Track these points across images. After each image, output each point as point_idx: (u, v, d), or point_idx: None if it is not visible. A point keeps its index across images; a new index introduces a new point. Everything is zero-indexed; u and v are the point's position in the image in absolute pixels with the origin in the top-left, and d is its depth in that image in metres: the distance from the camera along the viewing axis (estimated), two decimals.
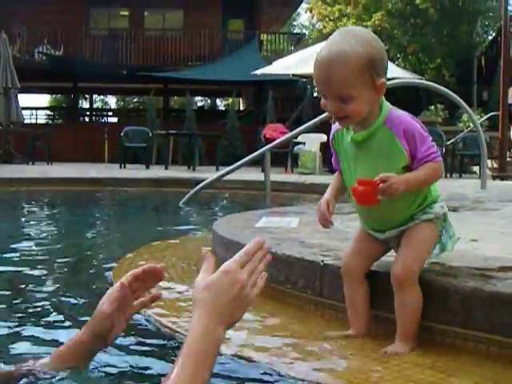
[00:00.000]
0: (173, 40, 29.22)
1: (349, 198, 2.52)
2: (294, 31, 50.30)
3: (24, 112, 23.32)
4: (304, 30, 51.14)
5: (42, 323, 2.80)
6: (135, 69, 26.89)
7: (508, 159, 17.67)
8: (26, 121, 26.84)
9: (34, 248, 5.03)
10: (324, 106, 2.32)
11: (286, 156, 17.69)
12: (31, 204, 9.44)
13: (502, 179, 15.64)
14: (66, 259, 4.66)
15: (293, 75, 20.73)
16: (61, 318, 2.89)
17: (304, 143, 16.86)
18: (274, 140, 10.95)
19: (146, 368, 2.29)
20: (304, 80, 25.08)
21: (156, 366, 2.31)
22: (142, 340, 2.60)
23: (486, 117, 19.52)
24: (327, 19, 27.43)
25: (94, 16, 30.61)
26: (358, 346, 2.43)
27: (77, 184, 11.71)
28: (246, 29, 30.97)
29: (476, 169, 17.10)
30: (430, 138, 2.38)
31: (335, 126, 2.53)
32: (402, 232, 2.46)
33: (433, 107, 20.65)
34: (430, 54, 26.85)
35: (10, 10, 26.85)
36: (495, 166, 17.44)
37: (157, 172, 15.03)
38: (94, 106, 45.77)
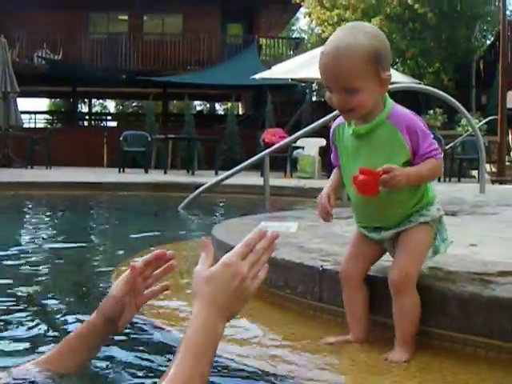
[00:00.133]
0: (172, 44, 29.24)
1: (347, 189, 2.52)
2: (293, 36, 50.30)
3: (23, 116, 23.30)
4: (303, 35, 51.10)
5: (42, 326, 2.80)
6: (134, 73, 26.90)
7: (507, 163, 17.68)
8: (25, 125, 26.82)
9: (33, 252, 5.03)
10: (329, 100, 2.33)
11: (285, 160, 17.70)
12: (30, 208, 9.44)
13: (500, 183, 15.66)
14: (64, 263, 4.66)
15: (292, 80, 20.74)
16: (60, 321, 2.89)
17: (303, 147, 16.87)
18: (273, 144, 10.96)
19: (146, 362, 2.30)
20: (303, 84, 25.11)
21: (155, 360, 2.33)
22: (141, 336, 2.61)
23: (484, 121, 19.52)
24: (326, 24, 27.36)
25: (94, 20, 30.64)
26: (356, 351, 2.43)
27: (76, 188, 11.71)
28: (245, 33, 31.03)
29: (475, 173, 17.11)
30: (432, 136, 2.40)
31: (336, 122, 2.54)
32: (397, 234, 2.45)
33: (431, 111, 20.64)
34: (429, 59, 26.83)
35: (9, 14, 26.86)
36: (494, 170, 17.45)
37: (156, 176, 15.03)
38: (93, 110, 45.77)
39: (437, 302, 2.40)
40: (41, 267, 4.35)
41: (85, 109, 43.42)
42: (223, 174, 9.04)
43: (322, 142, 16.43)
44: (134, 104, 51.61)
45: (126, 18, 30.89)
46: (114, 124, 37.96)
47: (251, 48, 28.41)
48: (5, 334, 2.70)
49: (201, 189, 8.54)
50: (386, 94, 2.40)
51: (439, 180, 16.23)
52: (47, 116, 41.80)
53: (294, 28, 56.70)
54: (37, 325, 2.82)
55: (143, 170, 17.83)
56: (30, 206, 9.68)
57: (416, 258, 2.42)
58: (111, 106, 54.89)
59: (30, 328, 2.78)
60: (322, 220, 2.54)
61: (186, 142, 20.44)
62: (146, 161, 18.75)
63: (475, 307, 2.30)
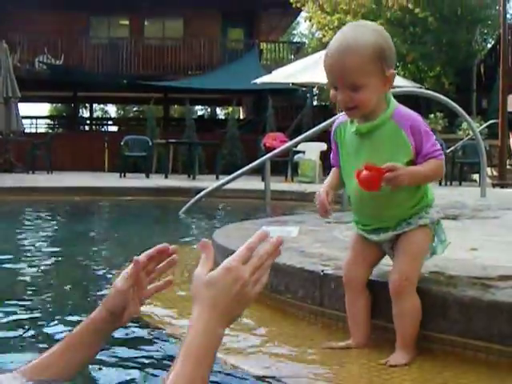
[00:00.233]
0: (173, 49, 29.28)
1: (346, 188, 2.52)
2: (294, 40, 50.35)
3: (24, 121, 23.33)
4: (304, 39, 51.17)
5: (44, 330, 2.81)
6: (135, 78, 26.93)
7: (508, 167, 17.68)
8: (27, 130, 26.86)
9: (34, 256, 5.03)
10: (333, 97, 2.34)
11: (285, 165, 17.70)
12: (31, 213, 9.44)
13: (501, 187, 15.65)
14: (65, 267, 4.67)
15: (292, 84, 20.75)
16: (61, 324, 2.89)
17: (304, 152, 16.87)
18: (274, 149, 10.97)
19: (146, 367, 2.31)
20: (304, 89, 25.13)
21: (155, 364, 2.33)
22: (140, 339, 2.62)
23: (485, 125, 19.53)
24: (327, 28, 27.38)
25: (94, 25, 30.67)
26: (357, 356, 2.43)
27: (77, 193, 11.71)
28: (246, 38, 31.06)
29: (476, 177, 17.10)
30: (434, 137, 2.40)
31: (338, 120, 2.55)
32: (396, 236, 2.46)
33: (432, 115, 20.64)
34: (430, 63, 26.84)
35: (10, 19, 26.90)
36: (495, 173, 17.44)
37: (157, 181, 15.04)
38: (94, 115, 45.81)
39: (438, 306, 2.41)
40: (41, 272, 4.35)
41: (86, 114, 43.48)
42: (224, 179, 9.04)
43: (323, 146, 16.44)
44: (134, 109, 51.64)
45: (126, 22, 30.93)
46: (115, 129, 37.98)
47: (252, 52, 28.44)
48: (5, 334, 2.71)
49: (202, 193, 8.54)
50: (390, 95, 2.42)
51: (440, 184, 16.24)
52: (48, 121, 41.81)
53: (294, 32, 56.78)
54: (36, 327, 2.83)
55: (144, 175, 17.84)
56: (31, 211, 9.68)
57: (416, 261, 2.43)
58: (112, 110, 54.99)
59: (28, 329, 2.78)
60: (320, 216, 2.53)
61: (187, 146, 20.44)
62: (147, 165, 18.75)
63: (476, 311, 2.31)
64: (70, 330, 1.99)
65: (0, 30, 25.05)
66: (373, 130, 2.38)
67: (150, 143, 19.32)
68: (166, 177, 17.57)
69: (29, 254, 5.18)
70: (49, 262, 4.90)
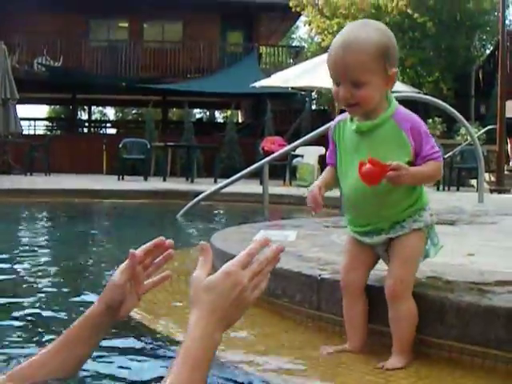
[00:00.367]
0: (172, 52, 29.28)
1: (342, 186, 2.52)
2: (293, 44, 50.41)
3: (23, 123, 23.30)
4: (303, 43, 51.22)
5: (41, 331, 2.81)
6: (134, 80, 26.95)
7: (505, 172, 17.68)
8: (25, 132, 26.82)
9: (32, 258, 5.02)
10: (335, 94, 2.34)
11: (284, 168, 17.71)
12: (29, 215, 9.44)
13: (499, 193, 15.66)
14: (62, 270, 4.66)
15: (291, 88, 20.76)
16: (60, 325, 2.89)
17: (302, 156, 16.88)
18: (273, 152, 10.98)
19: (140, 372, 2.30)
20: (303, 93, 25.14)
21: (150, 369, 2.33)
22: (136, 344, 2.61)
23: (483, 130, 19.56)
24: (326, 32, 27.43)
25: (94, 27, 30.67)
26: (353, 360, 2.43)
27: (75, 195, 11.71)
28: (245, 41, 31.08)
29: (473, 182, 17.12)
30: (433, 139, 2.41)
31: (338, 118, 2.55)
32: (389, 239, 2.45)
33: (431, 120, 20.66)
34: (428, 68, 26.89)
35: (9, 20, 26.90)
36: (493, 179, 17.45)
37: (155, 184, 15.04)
38: (93, 117, 45.79)
39: (435, 311, 2.41)
40: (37, 274, 4.35)
41: (84, 116, 43.46)
42: (222, 182, 9.04)
43: (322, 150, 16.42)
44: (133, 111, 51.67)
45: (126, 25, 30.94)
46: (113, 131, 38.03)
47: (251, 56, 28.46)
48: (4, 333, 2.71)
49: (200, 197, 8.54)
50: (392, 95, 2.43)
51: (438, 189, 16.27)
52: (47, 123, 41.80)
53: (293, 36, 56.80)
54: (34, 328, 2.83)
55: (142, 178, 17.84)
56: (29, 212, 9.68)
57: (411, 265, 2.43)
58: (111, 113, 54.99)
59: (27, 331, 2.78)
60: (311, 211, 2.52)
61: (186, 149, 20.47)
62: (145, 168, 18.77)
63: (472, 316, 2.31)
64: (64, 329, 1.98)
65: None
66: (373, 129, 2.39)
67: (149, 146, 19.34)
68: (164, 180, 17.57)
69: (25, 256, 5.17)
70: (45, 264, 4.89)
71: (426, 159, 2.35)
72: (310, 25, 30.02)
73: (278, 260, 1.79)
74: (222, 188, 8.86)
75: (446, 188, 16.64)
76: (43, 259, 5.14)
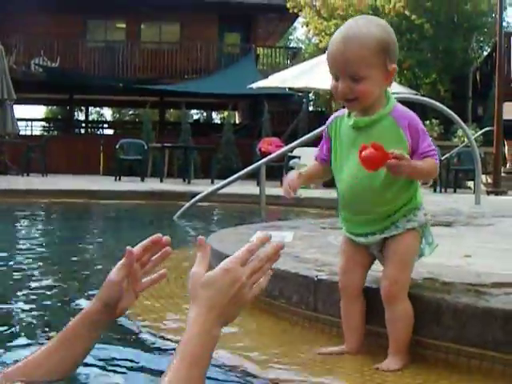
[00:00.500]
0: (169, 53, 29.28)
1: (336, 181, 2.50)
2: (291, 45, 50.43)
3: (19, 123, 23.33)
4: (300, 45, 51.27)
5: (39, 331, 2.80)
6: (131, 81, 26.94)
7: (502, 174, 17.71)
8: (22, 132, 26.83)
9: (28, 259, 5.02)
10: (334, 88, 2.34)
11: (281, 170, 17.70)
12: (25, 216, 9.43)
13: (496, 194, 15.68)
14: (58, 269, 4.66)
15: (289, 89, 20.78)
16: (55, 325, 2.88)
17: (299, 157, 16.87)
18: (270, 154, 10.98)
19: (139, 368, 2.30)
20: (300, 94, 25.16)
21: (149, 365, 2.33)
22: (133, 342, 2.61)
23: (480, 132, 19.57)
24: (323, 34, 27.45)
25: (91, 28, 30.65)
26: (350, 362, 2.43)
27: (72, 196, 11.69)
28: (243, 42, 31.09)
29: (470, 184, 17.15)
30: (430, 139, 2.40)
31: (336, 113, 2.54)
32: (384, 239, 2.44)
33: (428, 122, 20.68)
34: (426, 69, 26.92)
35: (6, 21, 26.88)
36: (489, 181, 17.47)
37: (152, 185, 15.03)
38: (90, 118, 45.80)
39: (431, 312, 2.41)
40: (33, 273, 4.35)
41: (81, 116, 43.45)
42: (219, 183, 9.04)
43: None
44: (130, 112, 51.68)
45: (123, 26, 30.93)
46: (110, 132, 38.03)
47: (248, 57, 28.47)
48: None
49: (197, 198, 8.53)
50: (390, 92, 2.42)
51: (435, 190, 16.28)
52: (44, 123, 41.81)
53: (291, 38, 56.85)
54: (30, 328, 2.83)
55: (139, 179, 17.84)
56: (25, 213, 9.66)
57: (406, 266, 2.42)
58: (108, 113, 54.98)
59: (26, 333, 2.78)
60: (283, 192, 2.52)
61: (183, 150, 20.46)
62: (142, 169, 18.77)
63: (470, 318, 2.31)
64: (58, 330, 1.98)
65: None
66: (370, 125, 2.37)
67: (146, 147, 19.33)
68: (161, 181, 17.57)
69: (21, 256, 5.17)
70: (41, 264, 4.89)
71: (423, 156, 2.34)
72: (307, 26, 30.05)
73: (279, 257, 1.79)
74: (219, 189, 8.85)
75: (443, 190, 16.65)
76: (39, 259, 5.14)
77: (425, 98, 10.45)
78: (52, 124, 41.65)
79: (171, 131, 29.84)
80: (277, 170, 17.73)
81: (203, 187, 10.70)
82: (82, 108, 41.82)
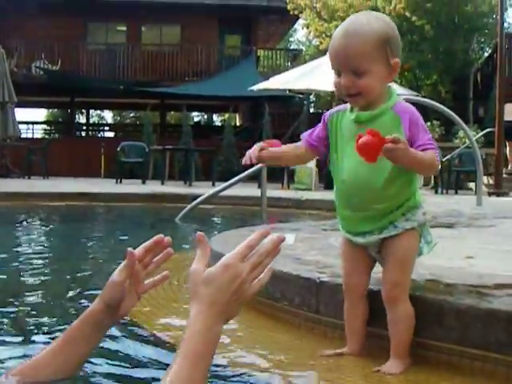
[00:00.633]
0: (170, 55, 29.31)
1: (334, 177, 2.49)
2: (291, 47, 50.42)
3: (21, 126, 23.35)
4: (301, 46, 51.26)
5: (41, 334, 2.80)
6: (132, 84, 26.95)
7: (504, 176, 17.70)
8: (23, 135, 26.85)
9: (30, 262, 5.02)
10: (337, 85, 2.33)
11: (282, 172, 17.70)
12: (27, 218, 9.43)
13: (497, 196, 15.67)
14: (61, 273, 4.65)
15: (289, 91, 20.77)
16: (58, 326, 2.88)
17: None
18: None
19: (141, 366, 2.30)
20: (300, 96, 25.17)
21: (152, 363, 2.32)
22: (134, 342, 2.61)
23: (481, 133, 19.55)
24: (324, 35, 27.49)
25: (92, 31, 30.68)
26: (352, 364, 2.43)
27: (73, 199, 11.68)
28: (243, 44, 31.10)
29: (472, 185, 17.13)
30: (430, 135, 2.37)
31: (337, 108, 2.52)
32: (382, 240, 2.42)
33: (429, 123, 20.66)
34: (427, 71, 26.95)
35: (7, 24, 26.91)
36: (491, 182, 17.46)
37: (153, 187, 15.03)
38: (91, 120, 45.83)
39: (434, 313, 2.40)
40: (34, 278, 4.34)
41: (82, 119, 43.49)
42: (220, 186, 9.04)
43: None
44: (131, 115, 51.69)
45: (124, 28, 30.96)
46: (111, 134, 38.04)
47: (249, 59, 28.48)
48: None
49: (198, 200, 8.53)
50: (394, 88, 2.41)
51: (436, 192, 16.28)
52: (45, 126, 41.90)
53: (291, 39, 56.87)
54: (33, 329, 2.83)
55: (140, 181, 17.85)
56: (26, 216, 9.66)
57: (406, 267, 2.40)
58: (109, 116, 55.01)
59: (25, 336, 2.78)
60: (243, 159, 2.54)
61: (184, 152, 20.47)
62: (143, 172, 18.78)
63: (472, 319, 2.30)
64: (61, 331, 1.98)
65: None
66: (372, 119, 2.35)
67: (147, 149, 19.34)
68: (163, 183, 17.56)
69: (23, 259, 5.17)
70: (42, 266, 4.89)
71: (423, 148, 2.29)
72: (307, 28, 30.11)
73: (279, 251, 1.77)
74: (220, 191, 8.85)
75: (445, 191, 16.65)
76: (40, 261, 5.14)
77: (426, 100, 10.44)
78: (53, 127, 41.74)
79: (172, 133, 29.90)
80: (278, 172, 17.74)
81: (204, 189, 10.69)
82: (83, 111, 41.85)
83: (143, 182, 17.71)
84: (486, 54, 30.05)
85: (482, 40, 30.60)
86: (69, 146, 24.13)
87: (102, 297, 1.95)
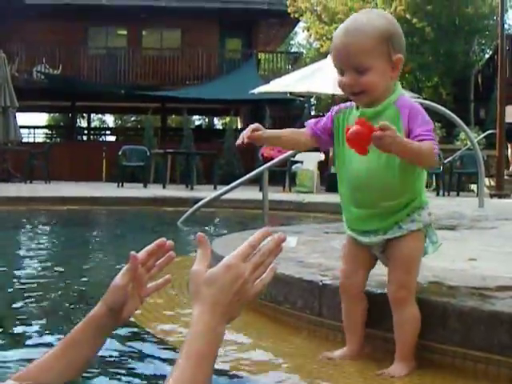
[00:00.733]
0: (170, 59, 29.32)
1: (338, 172, 2.49)
2: (292, 50, 50.45)
3: (22, 131, 23.33)
4: (301, 49, 51.28)
5: (43, 338, 2.80)
6: (133, 88, 26.95)
7: (505, 177, 17.68)
8: (24, 139, 26.82)
9: (32, 266, 5.02)
10: (340, 83, 2.33)
11: (283, 175, 17.71)
12: (28, 223, 9.43)
13: (499, 197, 15.65)
14: (62, 276, 4.65)
15: (290, 94, 20.78)
16: (61, 329, 2.88)
17: (302, 162, 16.89)
18: (272, 159, 10.97)
19: (142, 370, 2.30)
20: (301, 99, 25.16)
21: (156, 364, 2.32)
22: (137, 344, 2.61)
23: (483, 135, 19.55)
24: (324, 38, 27.51)
25: (92, 35, 30.69)
26: (355, 366, 2.42)
27: (75, 203, 11.70)
28: (244, 48, 31.12)
29: (473, 187, 17.13)
30: (432, 127, 2.35)
31: (344, 104, 2.52)
32: (387, 241, 2.41)
33: None
34: (427, 73, 26.94)
35: (8, 29, 26.93)
36: (493, 184, 17.44)
37: (155, 191, 15.03)
38: (92, 124, 45.84)
39: (437, 316, 2.40)
40: (36, 282, 4.34)
41: (84, 123, 43.48)
42: (222, 189, 9.03)
43: (321, 156, 16.49)
44: (132, 118, 51.72)
45: (124, 32, 30.97)
46: (112, 138, 38.08)
47: (250, 62, 28.49)
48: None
49: (200, 203, 8.53)
50: (399, 83, 2.41)
51: (438, 194, 16.29)
52: (46, 131, 41.91)
53: (292, 42, 56.88)
54: (35, 331, 2.83)
55: (142, 185, 17.84)
56: (28, 220, 9.67)
57: (412, 268, 2.40)
58: (110, 120, 55.02)
59: (28, 334, 2.78)
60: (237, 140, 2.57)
61: (185, 156, 20.48)
62: (144, 175, 18.77)
63: (475, 322, 2.30)
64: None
65: None
66: (377, 115, 2.34)
67: (148, 153, 19.35)
68: (164, 187, 17.56)
69: (25, 263, 5.17)
70: (44, 269, 4.89)
71: (420, 138, 2.26)
72: (308, 31, 30.12)
73: (281, 250, 1.77)
74: (221, 194, 8.85)
75: (446, 193, 16.65)
76: (42, 265, 5.14)
77: (427, 102, 10.43)
78: (54, 131, 41.75)
79: (173, 137, 29.88)
80: (279, 175, 17.75)
81: (206, 193, 10.70)
82: (84, 115, 41.83)
83: (145, 186, 17.70)
84: (487, 56, 30.05)
85: (483, 42, 30.59)
86: (70, 150, 24.13)
87: (105, 300, 1.95)
